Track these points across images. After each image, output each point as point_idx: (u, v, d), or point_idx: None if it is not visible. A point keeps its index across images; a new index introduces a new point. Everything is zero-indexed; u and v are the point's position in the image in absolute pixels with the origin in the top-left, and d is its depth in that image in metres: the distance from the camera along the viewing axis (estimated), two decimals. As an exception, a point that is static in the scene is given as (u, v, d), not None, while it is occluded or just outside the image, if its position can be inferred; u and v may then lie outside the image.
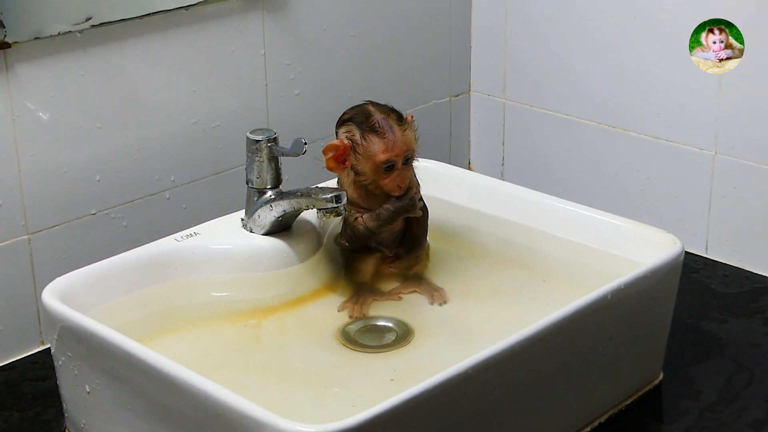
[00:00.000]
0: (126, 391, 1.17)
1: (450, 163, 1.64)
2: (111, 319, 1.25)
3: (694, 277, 1.64)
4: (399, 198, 1.38)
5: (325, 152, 1.37)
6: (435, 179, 1.54)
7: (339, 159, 1.37)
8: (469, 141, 1.95)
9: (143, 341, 1.22)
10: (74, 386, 1.24)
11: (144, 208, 1.54)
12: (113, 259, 1.34)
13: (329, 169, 1.38)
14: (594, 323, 1.24)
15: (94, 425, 1.24)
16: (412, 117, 1.39)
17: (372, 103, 1.39)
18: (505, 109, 1.89)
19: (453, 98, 1.91)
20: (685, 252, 1.36)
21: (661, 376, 1.39)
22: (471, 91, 1.93)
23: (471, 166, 1.96)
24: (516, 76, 1.86)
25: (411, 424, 1.09)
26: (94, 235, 1.50)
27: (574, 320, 1.21)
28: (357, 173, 1.37)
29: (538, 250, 1.47)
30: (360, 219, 1.39)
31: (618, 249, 1.40)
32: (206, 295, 1.36)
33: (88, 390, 1.22)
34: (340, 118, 1.40)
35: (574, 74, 1.78)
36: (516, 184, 1.57)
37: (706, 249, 1.70)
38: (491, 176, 1.71)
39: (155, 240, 1.38)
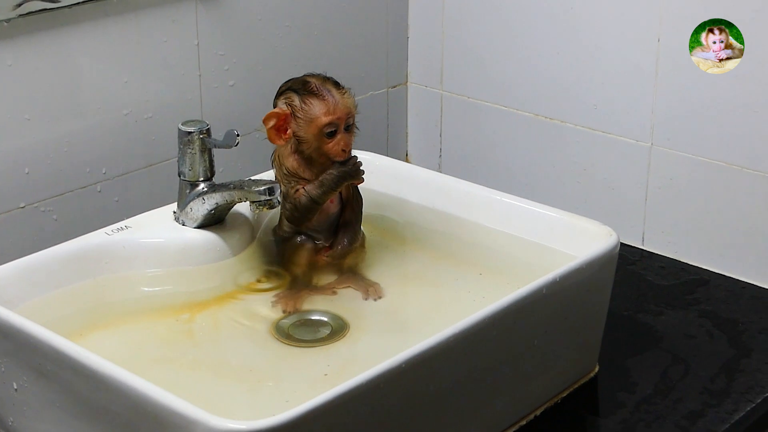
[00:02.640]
0: (54, 388, 1.15)
1: (387, 155, 1.63)
2: (40, 314, 1.23)
3: (631, 269, 1.64)
4: (342, 163, 1.36)
5: (265, 122, 1.35)
6: (372, 171, 1.52)
7: (280, 128, 1.35)
8: (407, 133, 1.94)
9: (73, 337, 1.20)
10: (1, 383, 1.21)
11: (74, 201, 1.52)
12: (42, 253, 1.31)
13: (271, 140, 1.36)
14: (529, 316, 1.24)
15: (22, 423, 1.22)
16: (350, 88, 1.38)
17: (309, 74, 1.39)
18: (442, 101, 1.88)
19: (390, 89, 1.90)
20: (622, 244, 1.36)
21: (596, 369, 1.39)
22: (408, 83, 1.92)
23: (408, 158, 1.95)
24: (453, 67, 1.86)
25: (345, 418, 1.07)
26: (23, 228, 1.47)
27: (509, 313, 1.20)
28: (299, 141, 1.35)
29: (475, 242, 1.46)
30: (301, 190, 1.37)
31: (554, 241, 1.40)
32: (138, 289, 1.34)
33: (15, 387, 1.20)
34: (277, 90, 1.38)
35: (512, 66, 1.78)
36: (454, 176, 1.56)
37: (643, 241, 1.70)
38: (429, 168, 1.70)
39: (86, 234, 1.36)
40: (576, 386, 1.36)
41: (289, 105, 1.35)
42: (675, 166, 1.64)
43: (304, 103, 1.34)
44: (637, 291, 1.59)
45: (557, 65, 1.73)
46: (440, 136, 1.90)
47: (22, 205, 1.47)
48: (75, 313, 1.30)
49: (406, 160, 1.94)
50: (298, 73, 1.70)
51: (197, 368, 1.25)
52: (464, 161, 1.88)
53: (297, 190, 1.37)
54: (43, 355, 1.14)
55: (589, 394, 1.36)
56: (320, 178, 1.36)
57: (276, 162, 1.39)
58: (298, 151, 1.36)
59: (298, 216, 1.39)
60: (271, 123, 1.35)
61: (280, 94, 1.38)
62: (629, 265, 1.64)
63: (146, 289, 1.35)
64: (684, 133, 1.62)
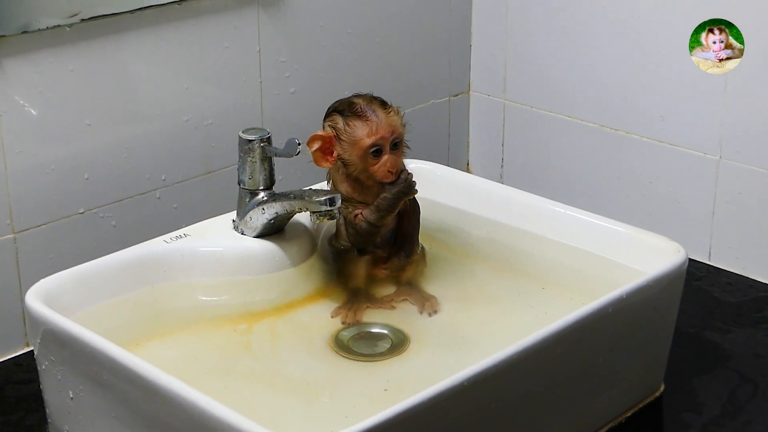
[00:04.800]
0: (110, 398, 1.14)
1: (448, 165, 1.61)
2: (97, 322, 1.22)
3: (697, 285, 1.60)
4: (393, 183, 1.34)
5: (309, 145, 1.33)
6: (432, 181, 1.51)
7: (325, 151, 1.33)
8: (468, 142, 1.92)
9: (129, 346, 1.19)
10: (57, 391, 1.21)
11: (133, 208, 1.51)
12: (100, 260, 1.30)
13: (316, 162, 1.34)
14: (594, 334, 1.21)
15: (77, 432, 1.21)
16: (399, 107, 1.36)
17: (356, 94, 1.37)
18: (505, 110, 1.86)
19: (452, 98, 1.88)
20: (688, 259, 1.33)
21: (662, 388, 1.36)
22: (470, 91, 1.90)
23: (470, 167, 1.93)
24: (516, 76, 1.83)
25: (405, 436, 1.05)
26: (81, 234, 1.47)
27: (574, 331, 1.18)
28: (345, 163, 1.34)
29: (538, 255, 1.44)
30: (360, 216, 1.36)
31: (619, 256, 1.37)
32: (195, 298, 1.33)
33: (71, 396, 1.19)
34: (325, 112, 1.37)
35: (576, 75, 1.75)
36: (515, 186, 1.53)
37: (709, 256, 1.67)
38: (490, 178, 1.68)
39: (145, 241, 1.35)
40: (641, 406, 1.33)
41: (333, 127, 1.33)
42: (744, 180, 1.61)
43: (348, 125, 1.32)
44: (704, 308, 1.55)
45: (623, 75, 1.70)
46: (502, 146, 1.88)
47: (81, 210, 1.46)
48: (132, 322, 1.29)
49: (468, 171, 1.92)
50: (359, 81, 1.70)
51: (254, 380, 1.24)
52: (527, 172, 1.85)
53: (356, 215, 1.35)
54: (99, 364, 1.13)
55: (655, 414, 1.33)
56: (375, 203, 1.34)
57: (331, 187, 1.38)
58: (347, 174, 1.35)
59: (362, 240, 1.38)
60: (315, 146, 1.33)
61: (326, 116, 1.36)
62: (695, 281, 1.61)
63: (204, 298, 1.34)
64: (754, 145, 1.59)
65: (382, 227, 1.37)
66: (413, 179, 1.35)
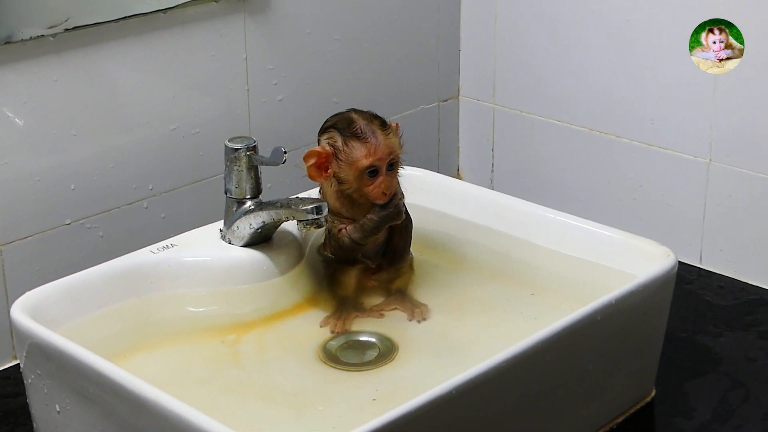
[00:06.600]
0: (97, 411, 1.13)
1: (438, 171, 1.61)
2: (83, 334, 1.21)
3: (688, 289, 1.60)
4: (383, 206, 1.34)
5: (305, 160, 1.33)
6: (422, 188, 1.50)
7: (321, 167, 1.33)
8: (458, 148, 1.91)
9: (117, 358, 1.19)
10: (44, 405, 1.20)
11: (121, 218, 1.50)
12: (86, 272, 1.29)
13: (311, 177, 1.34)
14: (584, 339, 1.20)
15: (64, 445, 1.20)
16: (398, 124, 1.36)
17: (355, 110, 1.36)
18: (494, 115, 1.85)
19: (441, 103, 1.87)
20: (679, 262, 1.33)
21: (653, 393, 1.35)
22: (460, 96, 1.89)
23: (460, 173, 1.92)
24: (506, 80, 1.82)
25: (393, 446, 1.05)
26: (68, 246, 1.46)
27: (564, 337, 1.17)
28: (340, 181, 1.33)
29: (527, 261, 1.43)
30: (344, 231, 1.35)
31: (609, 261, 1.37)
32: (183, 309, 1.32)
33: (58, 409, 1.18)
34: (322, 126, 1.36)
35: (566, 79, 1.75)
36: (506, 192, 1.53)
37: (700, 259, 1.66)
38: (480, 184, 1.67)
39: (133, 251, 1.34)
40: (632, 411, 1.32)
41: (332, 145, 1.33)
42: (734, 183, 1.60)
43: (346, 145, 1.32)
44: (695, 311, 1.55)
45: (613, 78, 1.69)
46: (492, 151, 1.87)
47: (67, 221, 1.46)
48: (119, 333, 1.28)
49: (458, 176, 1.91)
50: (347, 88, 1.69)
51: (243, 392, 1.23)
52: (517, 177, 1.85)
53: (340, 230, 1.35)
54: (85, 378, 1.13)
55: (646, 419, 1.32)
56: (361, 222, 1.34)
57: (322, 198, 1.37)
58: (339, 190, 1.34)
59: (342, 254, 1.37)
60: (312, 161, 1.32)
61: (323, 130, 1.35)
62: (686, 285, 1.60)
63: (192, 308, 1.33)
64: (743, 148, 1.58)
65: (365, 245, 1.36)
66: (403, 206, 1.35)
